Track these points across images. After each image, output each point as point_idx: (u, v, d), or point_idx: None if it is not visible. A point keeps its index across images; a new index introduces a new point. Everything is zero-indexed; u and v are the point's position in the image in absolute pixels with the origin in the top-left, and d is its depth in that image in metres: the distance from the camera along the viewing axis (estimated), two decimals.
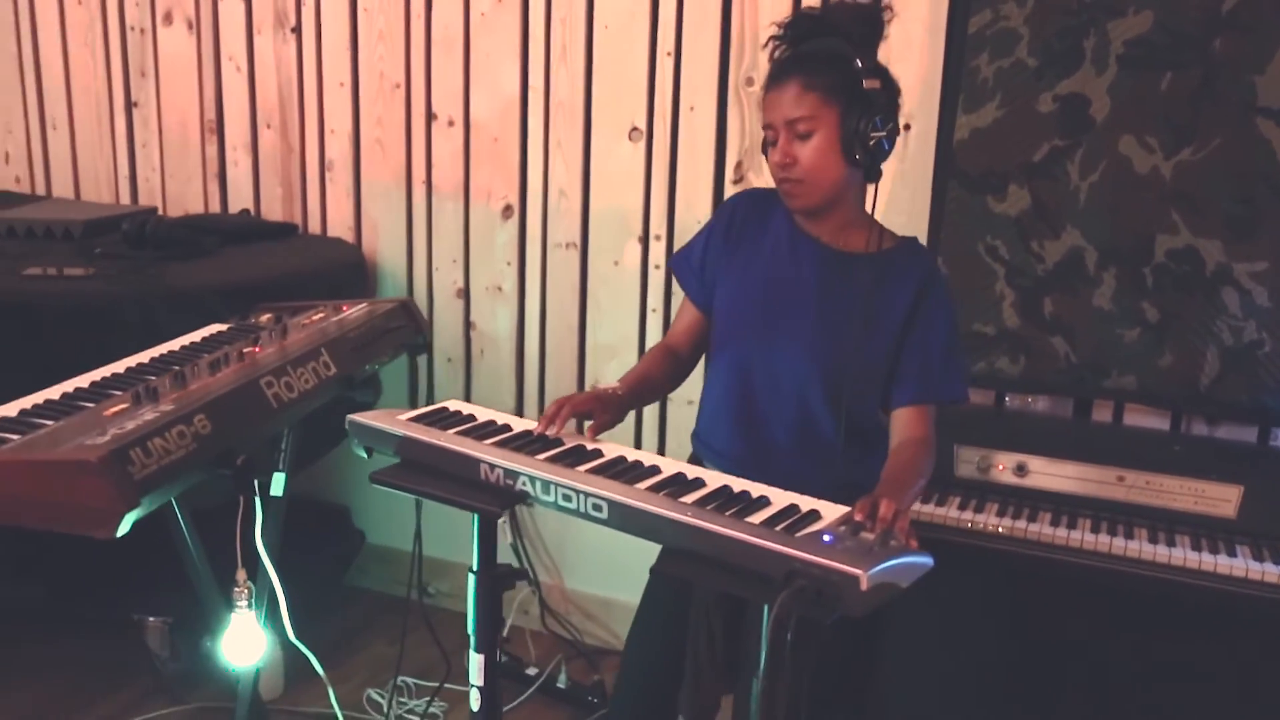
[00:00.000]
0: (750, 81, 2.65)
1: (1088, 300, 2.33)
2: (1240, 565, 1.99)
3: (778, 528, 1.36)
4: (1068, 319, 2.35)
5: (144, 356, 2.02)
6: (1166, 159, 2.25)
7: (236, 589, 1.87)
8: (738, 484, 1.51)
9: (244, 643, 1.91)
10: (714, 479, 1.52)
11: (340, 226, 3.21)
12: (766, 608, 1.29)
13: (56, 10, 3.46)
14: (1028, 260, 2.37)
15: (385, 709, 2.74)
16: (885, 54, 2.45)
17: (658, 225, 2.82)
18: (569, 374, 3.00)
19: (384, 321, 2.29)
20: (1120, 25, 2.25)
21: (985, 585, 2.26)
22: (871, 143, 1.66)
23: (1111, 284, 2.31)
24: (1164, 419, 2.41)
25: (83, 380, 1.87)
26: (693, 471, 1.55)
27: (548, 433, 1.65)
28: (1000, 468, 2.25)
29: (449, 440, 1.61)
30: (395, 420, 1.68)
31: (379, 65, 3.05)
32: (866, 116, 1.65)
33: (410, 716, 2.75)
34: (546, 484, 1.50)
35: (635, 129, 2.80)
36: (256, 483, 1.88)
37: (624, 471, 1.54)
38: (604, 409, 1.69)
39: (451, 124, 3.00)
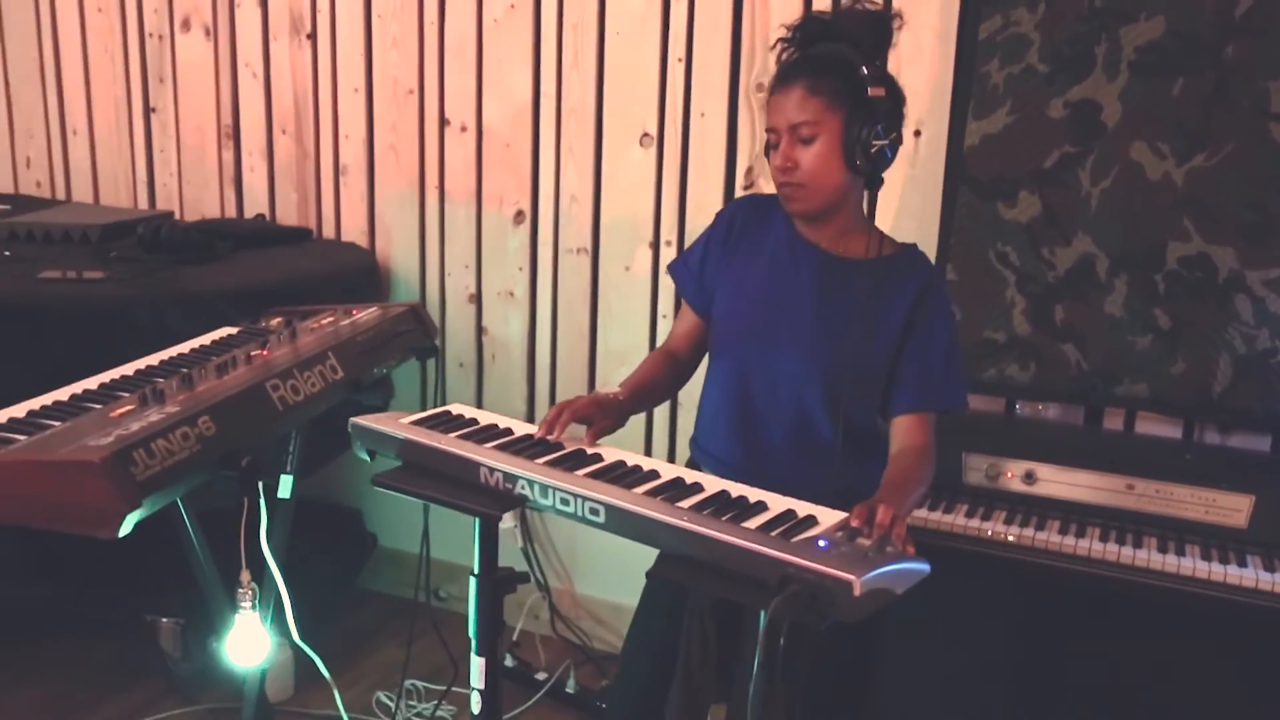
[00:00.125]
0: (761, 87, 2.65)
1: (1099, 307, 2.31)
2: (1250, 575, 1.96)
3: (773, 533, 1.36)
4: (1079, 326, 2.33)
5: (153, 359, 2.04)
6: (1179, 165, 2.23)
7: (241, 590, 1.88)
8: (736, 489, 1.50)
9: (248, 644, 1.92)
10: (712, 484, 1.52)
11: (354, 231, 3.23)
12: (762, 613, 1.28)
13: (77, 17, 3.50)
14: (1038, 267, 2.35)
15: (393, 712, 2.75)
16: (895, 60, 2.48)
17: (669, 231, 2.83)
18: (580, 379, 3.01)
19: (393, 326, 2.30)
20: (1132, 31, 2.23)
21: (993, 593, 2.25)
22: (873, 150, 1.65)
23: (1123, 291, 2.29)
24: (1176, 427, 2.38)
25: (91, 382, 1.89)
26: (691, 476, 1.55)
27: (548, 437, 1.65)
28: (1009, 475, 2.23)
29: (449, 443, 1.62)
30: (397, 423, 1.69)
31: (393, 71, 3.07)
32: (870, 124, 1.65)
33: (420, 719, 2.75)
34: (545, 488, 1.50)
35: (646, 135, 2.81)
36: (264, 485, 1.89)
37: (622, 476, 1.54)
38: (604, 414, 1.69)
39: (464, 130, 3.02)
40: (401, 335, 2.30)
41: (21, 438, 1.60)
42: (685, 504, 1.44)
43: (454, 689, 2.70)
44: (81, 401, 1.79)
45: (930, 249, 2.41)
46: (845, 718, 1.84)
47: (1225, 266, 2.22)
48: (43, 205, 3.48)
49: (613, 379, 2.95)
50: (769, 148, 1.73)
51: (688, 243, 2.77)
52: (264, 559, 1.98)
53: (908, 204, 2.55)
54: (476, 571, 1.69)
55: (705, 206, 2.77)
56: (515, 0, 2.88)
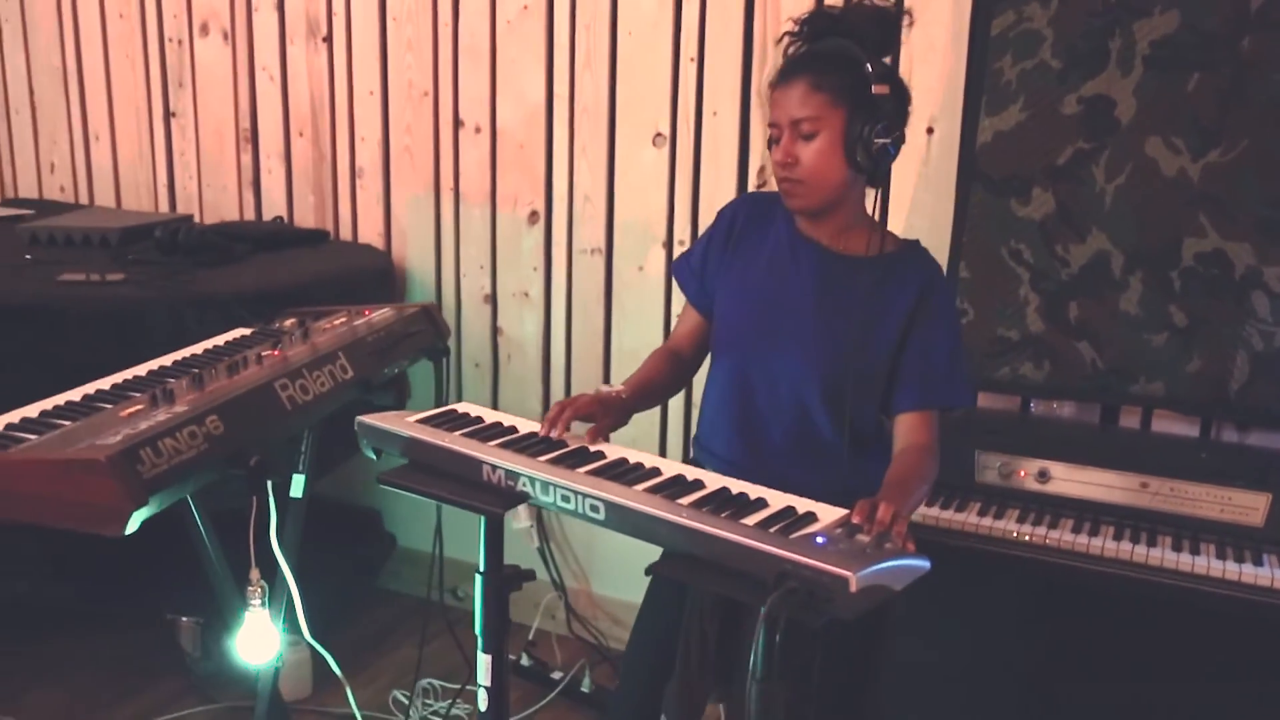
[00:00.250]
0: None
1: (1114, 305, 2.29)
2: (1266, 574, 1.94)
3: (772, 529, 1.36)
4: (1093, 324, 2.31)
5: (166, 359, 2.06)
6: (1194, 161, 2.20)
7: (250, 588, 1.89)
8: (736, 486, 1.50)
9: (258, 641, 1.94)
10: (713, 481, 1.52)
11: (371, 233, 3.25)
12: (762, 610, 1.28)
13: (99, 23, 3.55)
14: (1052, 264, 2.33)
15: (408, 710, 2.76)
16: (908, 56, 2.47)
17: (681, 231, 2.82)
18: (594, 379, 3.01)
19: (404, 326, 2.30)
20: (1146, 25, 2.21)
21: (1005, 592, 2.23)
22: (875, 149, 1.64)
23: (1138, 288, 2.27)
24: (1193, 426, 2.36)
25: (104, 382, 1.91)
26: (693, 473, 1.54)
27: (550, 435, 1.65)
28: (1022, 474, 2.22)
29: (453, 441, 1.63)
30: (402, 422, 1.70)
31: (408, 74, 3.09)
32: (872, 122, 1.63)
33: (434, 718, 2.76)
34: (546, 485, 1.51)
35: (659, 135, 2.81)
36: (275, 484, 1.91)
37: (624, 473, 1.54)
38: (606, 412, 1.70)
39: (479, 131, 3.03)
40: (413, 335, 2.31)
41: (32, 437, 1.62)
42: (685, 501, 1.44)
43: (469, 688, 2.69)
44: (93, 401, 1.81)
45: (943, 246, 2.40)
46: (852, 717, 1.83)
47: (1242, 263, 2.19)
48: (66, 210, 3.53)
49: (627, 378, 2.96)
50: (771, 142, 1.72)
51: None
52: (275, 557, 1.99)
53: (920, 201, 2.53)
54: (482, 569, 1.70)
55: (718, 206, 2.68)
56: (528, 2, 2.89)
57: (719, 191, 2.76)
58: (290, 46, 3.24)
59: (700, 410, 1.89)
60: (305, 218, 3.34)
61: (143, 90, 3.51)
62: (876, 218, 1.76)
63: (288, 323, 2.38)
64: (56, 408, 1.77)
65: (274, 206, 3.38)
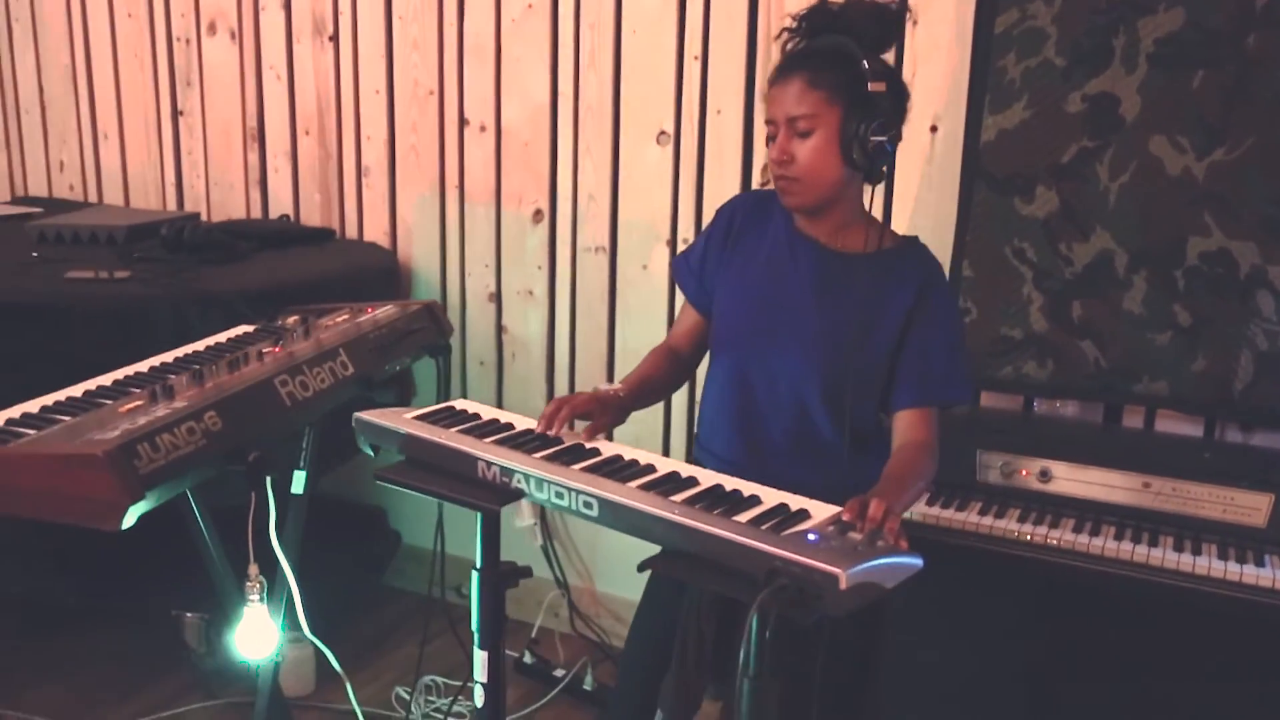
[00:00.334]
0: None
1: (1118, 304, 2.28)
2: (1268, 575, 1.92)
3: (764, 526, 1.35)
4: (1097, 323, 2.30)
5: (168, 356, 2.07)
6: (1199, 159, 2.19)
7: (249, 583, 1.90)
8: (731, 483, 1.50)
9: (256, 636, 1.94)
10: (707, 478, 1.51)
11: (376, 231, 3.26)
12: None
13: (108, 23, 3.57)
14: (1056, 263, 2.32)
15: (410, 707, 2.77)
16: (911, 54, 2.46)
17: (686, 229, 2.82)
18: (598, 377, 3.01)
19: (406, 323, 2.31)
20: (1150, 23, 2.20)
21: (1006, 592, 2.22)
22: (871, 146, 1.63)
23: (1142, 287, 2.26)
24: (1197, 426, 2.35)
25: (106, 378, 1.92)
26: (687, 470, 1.54)
27: (547, 432, 1.65)
28: (1024, 473, 2.21)
29: (449, 438, 1.63)
30: (399, 418, 1.70)
31: (413, 72, 3.10)
32: (868, 119, 1.62)
33: (437, 715, 2.77)
34: (540, 481, 1.51)
35: (663, 133, 2.81)
36: (275, 480, 1.91)
37: (619, 470, 1.54)
38: (603, 410, 1.70)
39: (483, 130, 3.04)
40: (415, 333, 2.31)
41: (31, 432, 1.63)
42: (678, 498, 1.44)
43: (470, 684, 2.70)
44: (94, 397, 1.82)
45: (946, 245, 2.39)
46: (851, 717, 1.83)
47: (1247, 262, 2.18)
48: (74, 208, 3.55)
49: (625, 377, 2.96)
50: (768, 140, 1.72)
51: None
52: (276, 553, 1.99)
53: (924, 200, 2.53)
54: (479, 565, 1.70)
55: (721, 204, 2.76)
56: (533, 0, 2.89)
57: (723, 190, 2.75)
58: (297, 46, 3.25)
59: (700, 409, 1.89)
60: (311, 216, 3.35)
61: (151, 89, 3.53)
62: (880, 216, 1.76)
63: (290, 320, 2.38)
64: (57, 403, 1.78)
65: (280, 205, 3.39)
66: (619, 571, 3.10)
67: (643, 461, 1.58)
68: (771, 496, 1.45)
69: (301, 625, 2.03)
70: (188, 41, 3.43)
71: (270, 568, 2.01)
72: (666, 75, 2.78)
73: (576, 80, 2.89)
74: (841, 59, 1.65)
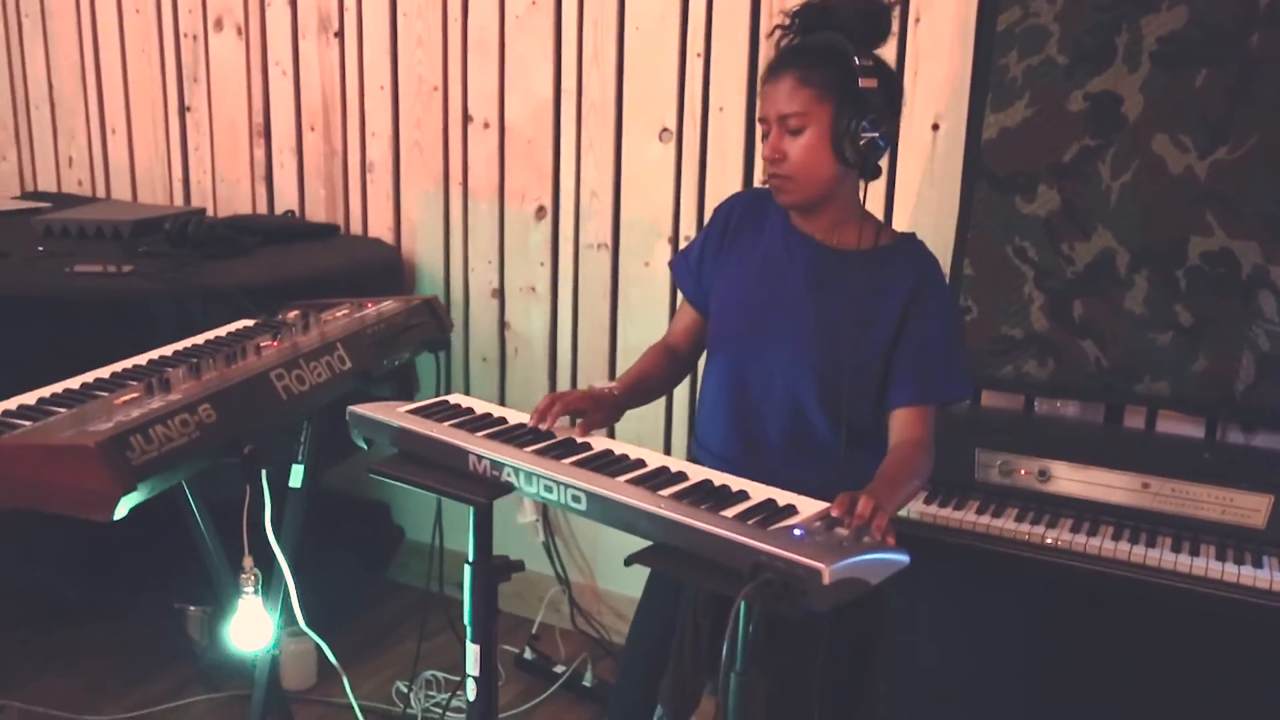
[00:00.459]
0: None
1: (1119, 303, 2.27)
2: (1266, 577, 1.91)
3: (750, 522, 1.35)
4: (1098, 323, 2.29)
5: (167, 350, 2.07)
6: (1201, 158, 2.18)
7: (244, 575, 1.91)
8: (720, 478, 1.50)
9: (250, 628, 1.95)
10: (697, 473, 1.51)
11: (380, 227, 3.27)
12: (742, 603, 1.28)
13: (116, 19, 3.58)
14: (1057, 262, 2.31)
15: (407, 701, 2.77)
16: (913, 52, 2.46)
17: (688, 226, 2.82)
18: (600, 373, 3.02)
19: (405, 318, 2.30)
20: (1153, 21, 2.19)
21: (1003, 591, 2.22)
22: (863, 142, 1.62)
23: (1144, 287, 2.25)
24: (1198, 426, 2.33)
25: (104, 371, 1.93)
26: (677, 466, 1.54)
27: (540, 426, 1.66)
28: (1023, 473, 2.20)
29: (440, 432, 1.63)
30: (392, 412, 1.71)
31: (417, 69, 3.10)
32: (859, 116, 1.61)
33: (436, 710, 2.78)
34: (529, 475, 1.51)
35: (666, 130, 2.81)
36: (272, 474, 1.91)
37: (608, 465, 1.54)
38: (597, 407, 1.69)
39: (487, 126, 3.04)
40: (414, 328, 2.31)
41: (27, 423, 1.64)
42: (666, 492, 1.44)
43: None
44: (91, 390, 1.83)
45: (948, 243, 2.39)
46: (849, 715, 1.82)
47: (1249, 262, 2.17)
48: (83, 203, 3.57)
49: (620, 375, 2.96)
50: (762, 137, 1.71)
51: None
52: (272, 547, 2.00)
53: (925, 198, 2.52)
54: (471, 559, 1.70)
55: None
56: None
57: (725, 187, 2.75)
58: (302, 42, 3.27)
59: (698, 407, 1.88)
60: (316, 212, 3.36)
61: (158, 85, 3.55)
62: (881, 214, 1.75)
63: (290, 314, 2.39)
64: (54, 395, 1.79)
65: (286, 200, 3.41)
66: (620, 568, 3.07)
67: (633, 457, 1.58)
68: (759, 492, 1.45)
69: (298, 618, 2.04)
70: (194, 37, 3.45)
71: (268, 561, 2.01)
72: (669, 72, 2.78)
73: (579, 77, 2.89)
74: (832, 56, 1.64)
